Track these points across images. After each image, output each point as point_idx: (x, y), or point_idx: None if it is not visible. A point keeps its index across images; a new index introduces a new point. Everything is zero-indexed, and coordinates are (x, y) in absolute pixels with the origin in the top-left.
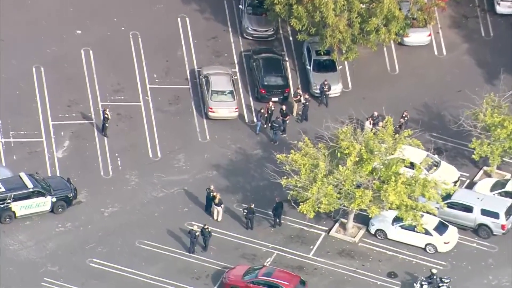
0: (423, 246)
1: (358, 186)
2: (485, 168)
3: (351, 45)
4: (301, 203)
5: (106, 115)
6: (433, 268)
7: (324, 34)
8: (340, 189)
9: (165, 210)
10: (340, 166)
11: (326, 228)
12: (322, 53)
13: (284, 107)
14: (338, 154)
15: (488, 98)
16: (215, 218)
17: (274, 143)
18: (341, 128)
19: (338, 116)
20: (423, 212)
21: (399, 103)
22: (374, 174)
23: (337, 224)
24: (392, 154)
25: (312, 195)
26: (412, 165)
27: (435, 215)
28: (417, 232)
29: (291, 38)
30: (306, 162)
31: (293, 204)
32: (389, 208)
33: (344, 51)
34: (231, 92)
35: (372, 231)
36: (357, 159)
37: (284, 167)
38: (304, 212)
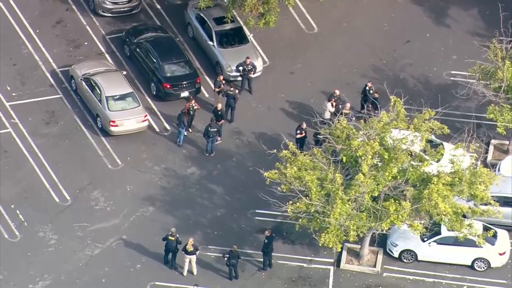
0: (470, 263)
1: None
2: (493, 142)
3: (271, 4)
4: (321, 234)
5: None
6: None
7: None
8: (361, 205)
9: (112, 272)
10: (361, 174)
11: (331, 260)
12: (229, 21)
13: (219, 106)
14: (344, 159)
15: (493, 46)
16: (186, 271)
17: (209, 155)
18: (338, 121)
19: (272, 103)
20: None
21: (340, 72)
22: (399, 178)
23: (344, 253)
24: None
25: (335, 220)
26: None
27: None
28: (460, 246)
29: (158, 6)
30: (313, 178)
31: (314, 236)
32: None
33: (261, 14)
34: (131, 95)
35: (395, 254)
36: (375, 161)
37: (280, 188)
38: (330, 246)
